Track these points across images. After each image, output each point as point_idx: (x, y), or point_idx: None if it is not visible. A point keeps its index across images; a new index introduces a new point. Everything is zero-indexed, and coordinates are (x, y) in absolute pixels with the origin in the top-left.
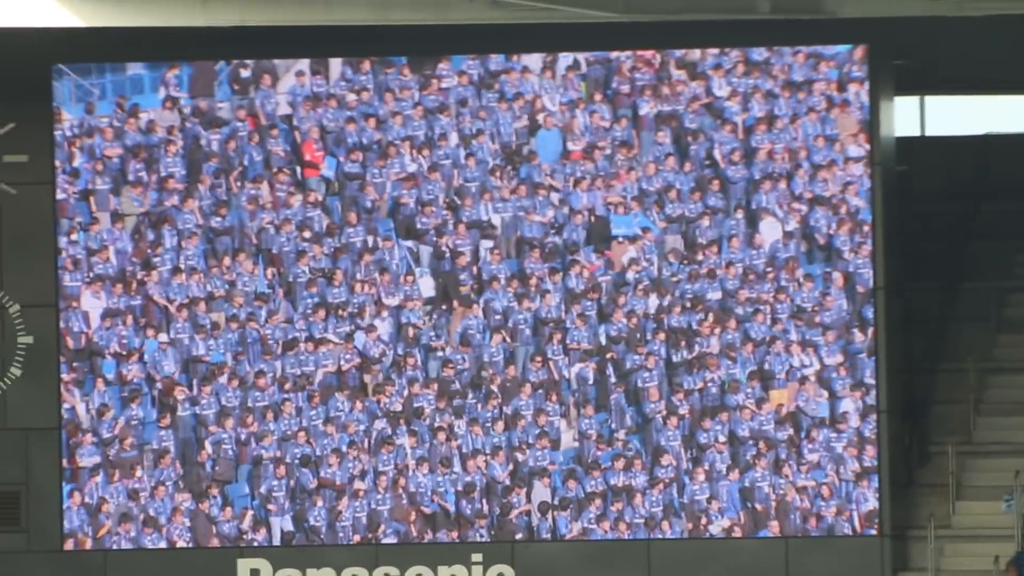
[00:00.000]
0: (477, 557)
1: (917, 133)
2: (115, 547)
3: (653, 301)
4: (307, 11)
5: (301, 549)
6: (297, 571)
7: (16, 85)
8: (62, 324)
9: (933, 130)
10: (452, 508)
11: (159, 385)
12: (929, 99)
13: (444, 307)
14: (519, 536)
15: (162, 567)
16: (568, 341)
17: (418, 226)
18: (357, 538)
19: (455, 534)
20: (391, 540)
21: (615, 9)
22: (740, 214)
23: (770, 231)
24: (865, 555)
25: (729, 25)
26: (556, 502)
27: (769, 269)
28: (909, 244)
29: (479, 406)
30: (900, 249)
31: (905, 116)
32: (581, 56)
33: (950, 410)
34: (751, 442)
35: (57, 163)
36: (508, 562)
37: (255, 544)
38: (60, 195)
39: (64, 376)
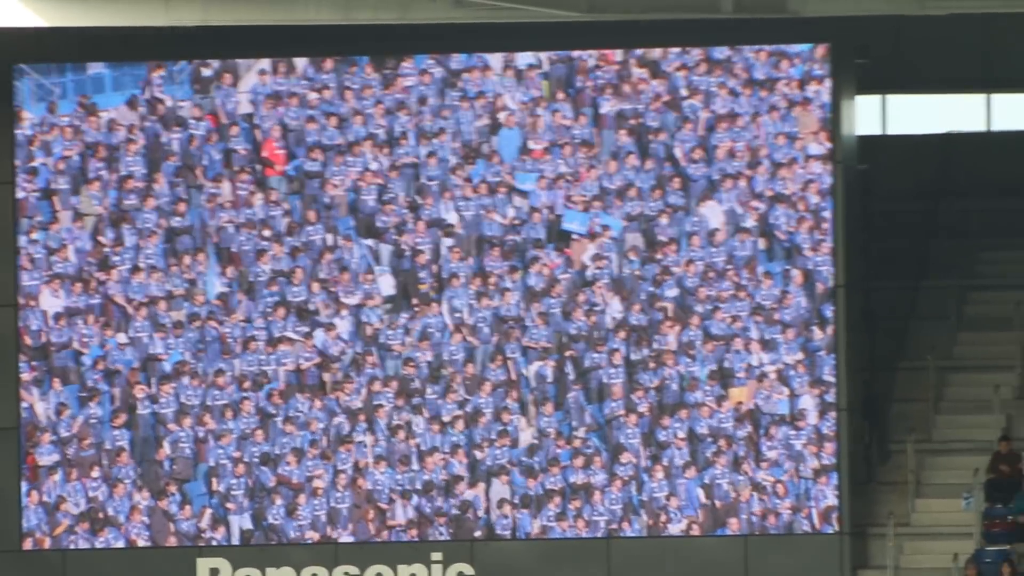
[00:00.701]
0: (437, 556)
1: (879, 132)
2: (73, 546)
3: (613, 299)
4: (270, 11)
5: (261, 548)
6: (256, 570)
7: None
8: (20, 323)
9: (895, 129)
10: (410, 507)
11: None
12: (891, 98)
13: (406, 306)
14: (478, 534)
15: (121, 567)
16: (527, 339)
17: (378, 224)
18: (316, 536)
19: (414, 532)
20: (349, 539)
21: (579, 9)
22: (702, 210)
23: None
24: (825, 553)
25: (692, 24)
26: (516, 500)
27: (729, 267)
28: (871, 242)
29: (439, 403)
30: (861, 247)
31: (867, 115)
32: (543, 55)
33: (910, 408)
34: (710, 439)
35: (17, 162)
36: (468, 560)
37: (214, 543)
38: (20, 194)
39: (23, 375)
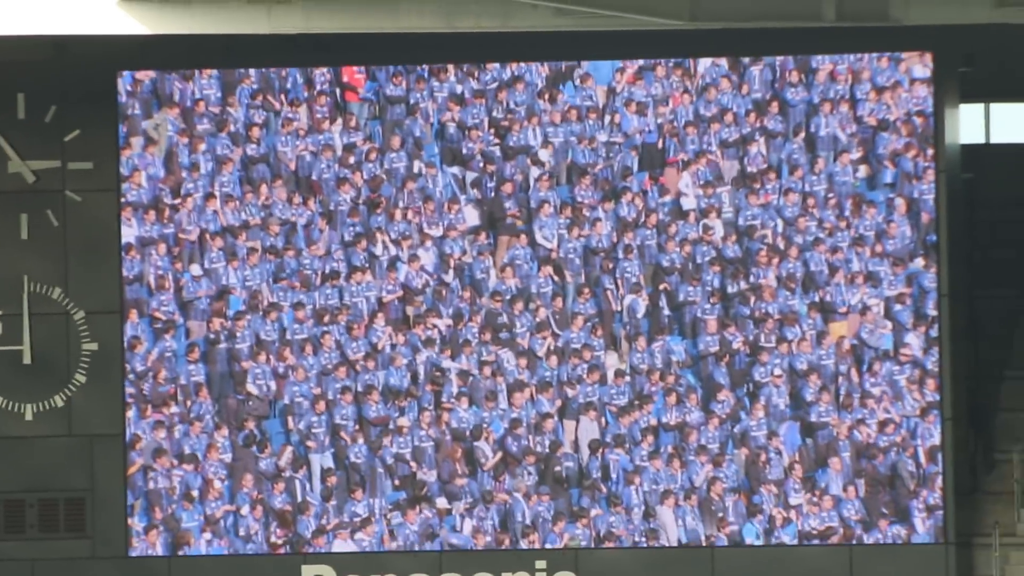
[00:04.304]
0: (541, 564)
1: (982, 141)
2: (152, 485)
3: (707, 230)
4: (373, 18)
5: (365, 555)
6: None
7: (81, 92)
8: None
9: (999, 138)
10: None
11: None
12: (994, 106)
13: (492, 236)
14: (562, 469)
15: (226, 572)
16: (619, 272)
17: (463, 151)
18: (399, 474)
19: (503, 477)
20: (432, 477)
21: (680, 17)
22: (800, 138)
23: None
24: (930, 562)
25: (794, 33)
26: (607, 439)
27: (830, 195)
28: (974, 251)
29: (529, 337)
30: (965, 256)
31: (970, 124)
32: None
33: (1016, 417)
34: (811, 376)
35: None
36: (572, 568)
37: (296, 483)
38: None
39: None
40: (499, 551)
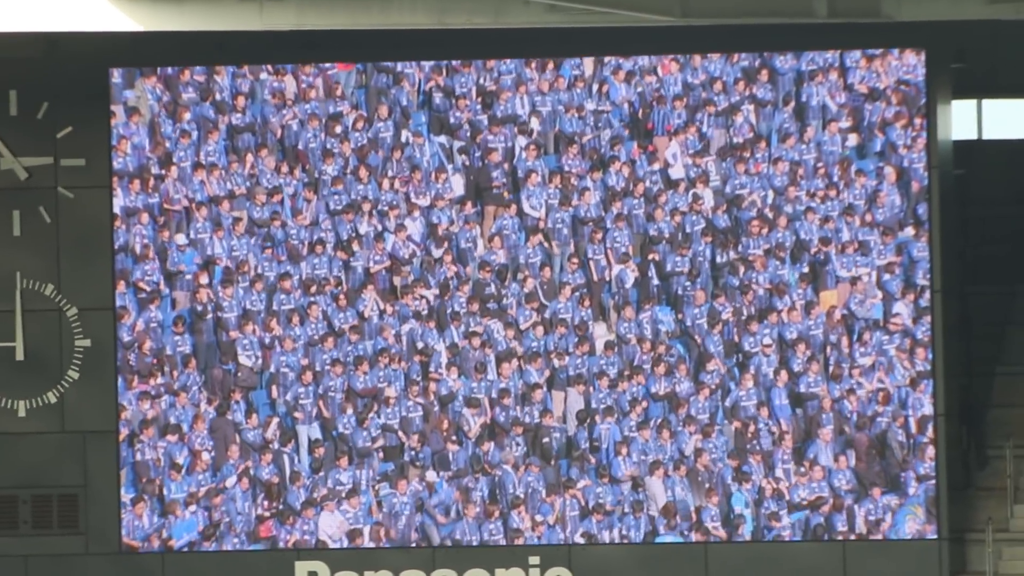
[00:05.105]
0: (534, 559)
1: (975, 137)
2: (139, 456)
3: (697, 199)
4: (364, 15)
5: (359, 551)
6: (354, 573)
7: (73, 89)
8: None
9: (991, 134)
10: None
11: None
12: (987, 102)
13: (479, 206)
14: (550, 440)
15: (220, 568)
16: (607, 242)
17: (451, 121)
18: (381, 452)
19: (490, 444)
20: (420, 446)
21: (671, 13)
22: (790, 108)
23: None
24: (923, 558)
25: (786, 29)
26: (595, 408)
27: (820, 165)
28: (966, 247)
29: (515, 308)
30: (958, 252)
31: (963, 120)
32: None
33: (1008, 413)
34: (800, 346)
35: None
36: (565, 564)
37: (284, 456)
38: None
39: None
40: (493, 547)
